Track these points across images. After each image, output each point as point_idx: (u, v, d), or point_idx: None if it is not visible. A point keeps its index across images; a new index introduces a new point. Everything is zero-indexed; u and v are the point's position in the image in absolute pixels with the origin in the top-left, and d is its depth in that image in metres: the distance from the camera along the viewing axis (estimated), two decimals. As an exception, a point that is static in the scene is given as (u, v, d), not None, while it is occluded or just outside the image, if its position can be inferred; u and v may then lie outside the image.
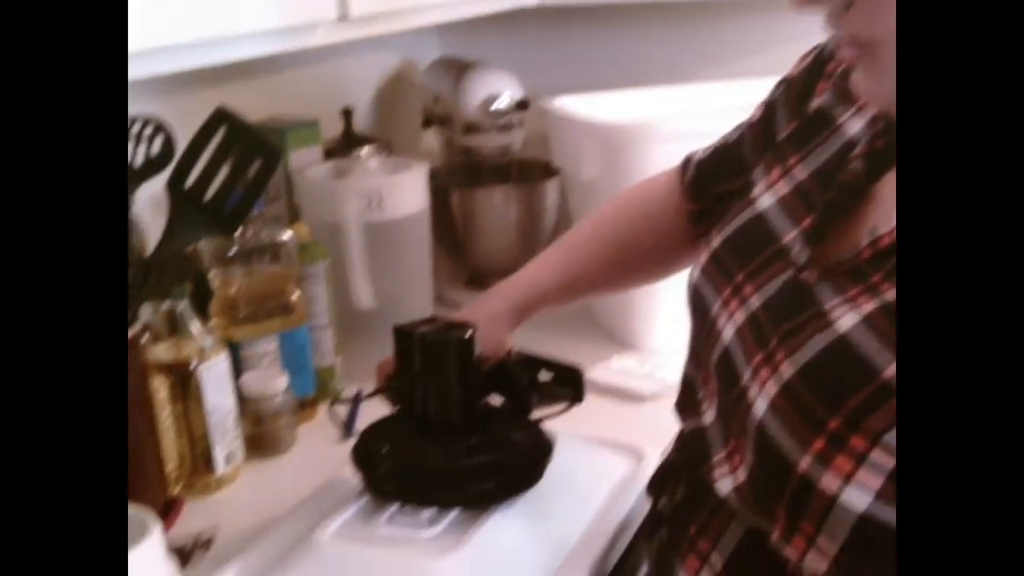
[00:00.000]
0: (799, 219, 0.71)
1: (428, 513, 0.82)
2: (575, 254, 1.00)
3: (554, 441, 0.88)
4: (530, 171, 1.54)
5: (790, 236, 0.70)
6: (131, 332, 0.90)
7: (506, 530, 0.82)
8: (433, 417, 0.86)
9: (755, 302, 0.69)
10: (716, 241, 0.77)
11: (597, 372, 1.20)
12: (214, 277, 1.11)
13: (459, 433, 0.85)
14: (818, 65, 0.80)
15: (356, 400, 1.18)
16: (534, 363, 0.92)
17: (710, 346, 0.73)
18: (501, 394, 0.91)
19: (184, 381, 0.98)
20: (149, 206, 1.09)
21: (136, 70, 0.73)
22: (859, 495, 0.56)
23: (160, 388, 0.98)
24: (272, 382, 1.08)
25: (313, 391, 1.16)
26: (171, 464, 1.00)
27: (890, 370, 0.56)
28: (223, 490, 1.02)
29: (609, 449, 0.98)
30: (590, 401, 1.16)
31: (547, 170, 1.49)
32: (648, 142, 1.20)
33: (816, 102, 0.78)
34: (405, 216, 1.22)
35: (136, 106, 0.84)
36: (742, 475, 0.66)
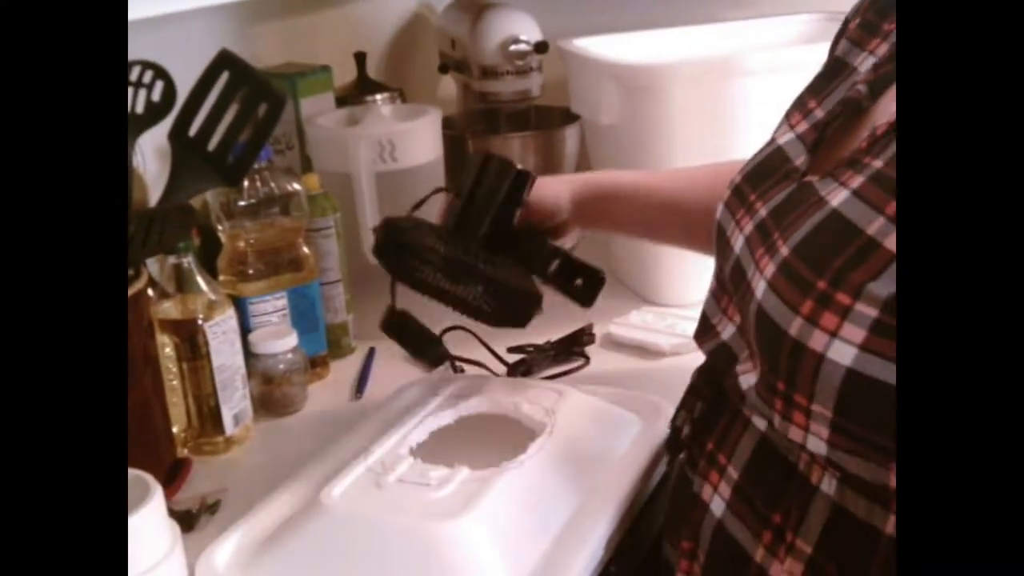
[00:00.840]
0: (810, 143, 0.73)
1: (437, 473, 0.79)
2: (662, 176, 1.03)
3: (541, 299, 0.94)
4: (549, 118, 1.49)
5: (801, 159, 0.72)
6: (135, 288, 0.87)
7: (518, 490, 0.78)
8: (460, 227, 0.94)
9: (763, 212, 0.70)
10: (738, 178, 0.78)
11: (616, 327, 1.17)
12: (222, 231, 1.07)
13: (472, 245, 0.93)
14: (843, 26, 0.82)
15: (369, 359, 1.15)
16: (562, 253, 0.97)
17: (724, 261, 0.75)
18: (524, 259, 0.96)
19: (191, 339, 0.95)
20: (152, 156, 1.05)
21: (136, 11, 0.68)
22: (844, 349, 0.57)
23: (166, 346, 0.95)
24: (281, 340, 1.04)
25: (324, 349, 1.13)
26: (178, 425, 0.97)
27: (874, 226, 0.58)
28: (232, 451, 0.99)
29: (627, 404, 0.94)
30: (609, 356, 1.14)
31: (566, 116, 1.44)
32: (671, 84, 1.14)
33: (836, 53, 0.81)
34: (419, 165, 1.18)
35: (136, 51, 0.79)
36: (757, 367, 0.67)
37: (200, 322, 0.95)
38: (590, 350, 1.14)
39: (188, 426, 0.97)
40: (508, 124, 1.49)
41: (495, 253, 0.94)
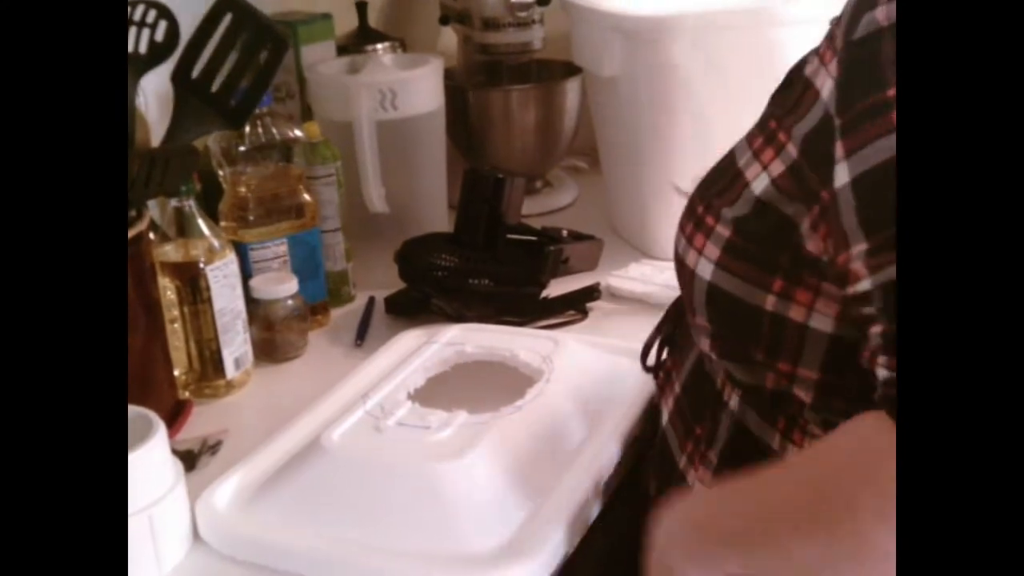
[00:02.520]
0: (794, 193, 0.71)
1: (436, 417, 0.79)
2: None
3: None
4: (550, 71, 1.48)
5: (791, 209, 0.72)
6: (136, 230, 0.87)
7: (517, 433, 0.79)
8: (461, 236, 1.14)
9: (691, 187, 0.74)
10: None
11: (614, 279, 1.17)
12: (223, 176, 1.07)
13: (475, 249, 1.11)
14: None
15: (369, 307, 1.15)
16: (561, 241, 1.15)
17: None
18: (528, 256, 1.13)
19: (192, 282, 0.95)
20: (155, 98, 1.04)
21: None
22: (705, 265, 0.66)
23: (167, 290, 0.96)
24: (282, 286, 1.05)
25: (325, 296, 1.13)
26: (179, 368, 0.98)
27: (742, 160, 0.67)
28: (233, 395, 1.00)
29: (624, 353, 0.95)
30: (607, 308, 1.15)
31: (568, 70, 1.43)
32: (675, 36, 1.13)
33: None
34: (420, 114, 1.18)
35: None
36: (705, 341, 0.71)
37: (201, 266, 0.95)
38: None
39: (189, 369, 0.98)
40: (509, 77, 1.48)
41: (497, 249, 1.13)
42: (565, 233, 1.17)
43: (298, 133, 1.08)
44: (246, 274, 1.06)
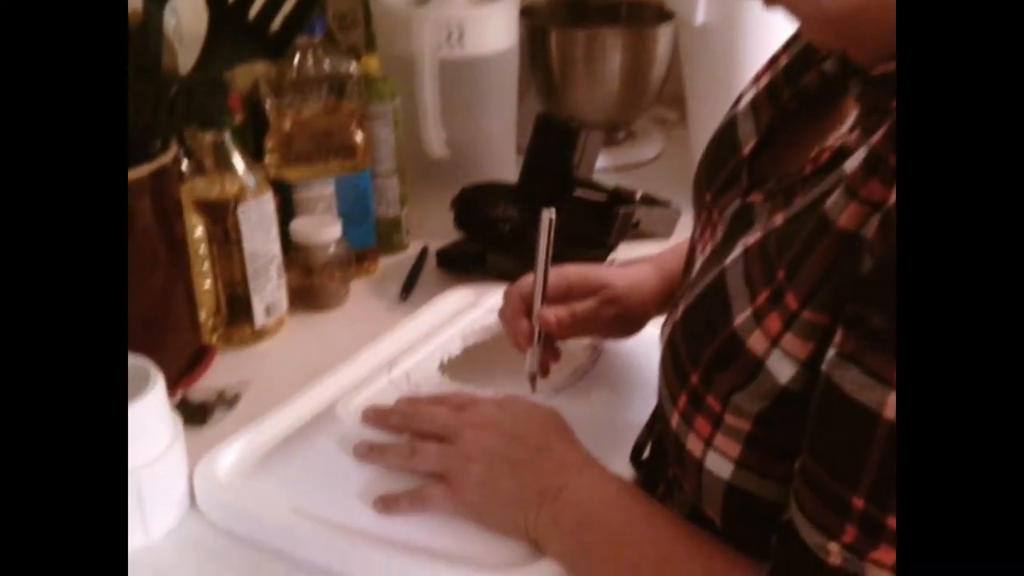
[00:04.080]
0: (761, 126, 0.62)
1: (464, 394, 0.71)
2: None
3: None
4: (641, 14, 1.36)
5: (750, 145, 0.61)
6: (159, 162, 0.80)
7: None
8: (525, 186, 1.04)
9: (720, 232, 0.60)
10: (701, 162, 0.68)
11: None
12: (269, 108, 1.00)
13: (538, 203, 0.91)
14: None
15: (420, 258, 1.07)
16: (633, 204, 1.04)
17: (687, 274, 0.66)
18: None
19: (222, 222, 0.89)
20: (189, 21, 0.97)
21: None
22: (721, 463, 0.52)
23: (196, 228, 0.89)
24: (325, 230, 0.97)
25: (373, 243, 1.06)
26: (205, 311, 0.91)
27: (741, 315, 0.50)
28: (262, 343, 0.93)
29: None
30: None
31: (660, 14, 1.31)
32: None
33: None
34: (489, 54, 1.08)
35: None
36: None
37: (233, 204, 0.88)
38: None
39: (216, 313, 0.92)
40: (596, 17, 1.37)
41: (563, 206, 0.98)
42: (639, 196, 1.06)
43: (355, 66, 1.00)
44: (289, 215, 0.99)
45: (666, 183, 1.16)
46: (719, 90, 1.11)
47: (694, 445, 0.53)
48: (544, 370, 0.75)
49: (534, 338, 0.73)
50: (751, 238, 0.53)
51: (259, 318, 0.92)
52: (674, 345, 0.55)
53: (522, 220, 0.99)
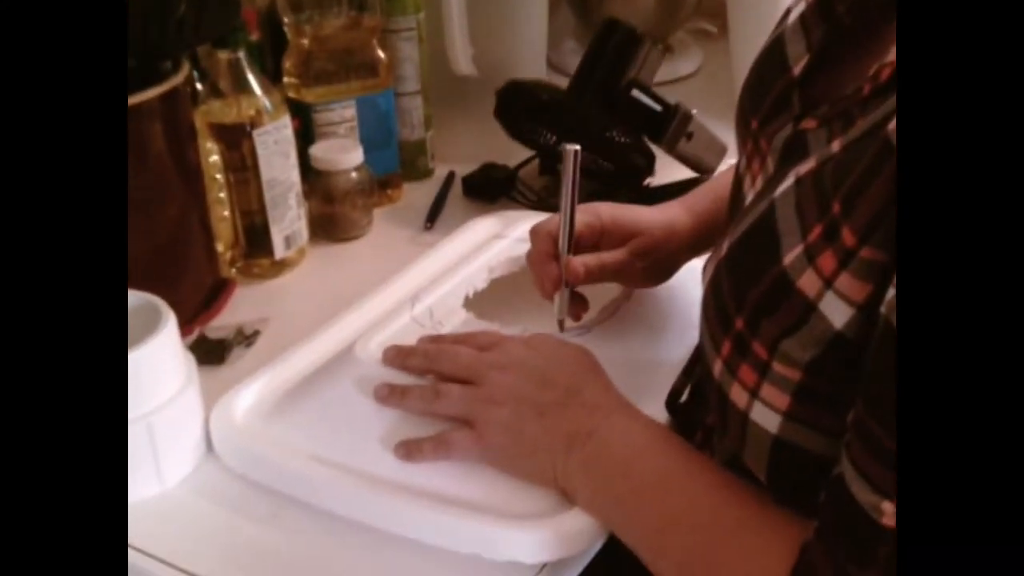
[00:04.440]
0: (812, 43, 0.56)
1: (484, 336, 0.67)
2: None
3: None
4: (681, -82, 1.28)
5: (800, 64, 0.55)
6: (170, 84, 0.76)
7: None
8: (576, 89, 0.97)
9: (770, 162, 0.55)
10: (743, 89, 0.62)
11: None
12: (287, 25, 0.94)
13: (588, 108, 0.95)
14: None
15: (447, 184, 1.03)
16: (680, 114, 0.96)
17: (735, 210, 0.61)
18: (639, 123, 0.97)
19: (238, 147, 0.84)
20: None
21: None
22: (767, 414, 0.47)
23: (212, 153, 0.85)
24: (346, 154, 0.93)
25: (396, 168, 1.01)
26: (222, 243, 0.87)
27: (791, 253, 0.45)
28: (283, 276, 0.89)
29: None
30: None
31: (702, -82, 1.23)
32: None
33: None
34: (519, -38, 1.01)
35: None
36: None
37: (249, 128, 0.83)
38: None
39: (234, 245, 0.88)
40: (633, -78, 1.29)
41: (611, 116, 0.95)
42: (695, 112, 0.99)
43: (376, -22, 0.94)
44: (308, 140, 0.94)
45: (705, 101, 1.09)
46: (763, 1, 1.05)
47: (738, 396, 0.48)
48: (575, 315, 0.71)
49: (562, 283, 0.68)
50: (804, 167, 0.48)
51: (279, 250, 0.88)
52: (717, 286, 0.51)
53: (563, 133, 0.93)
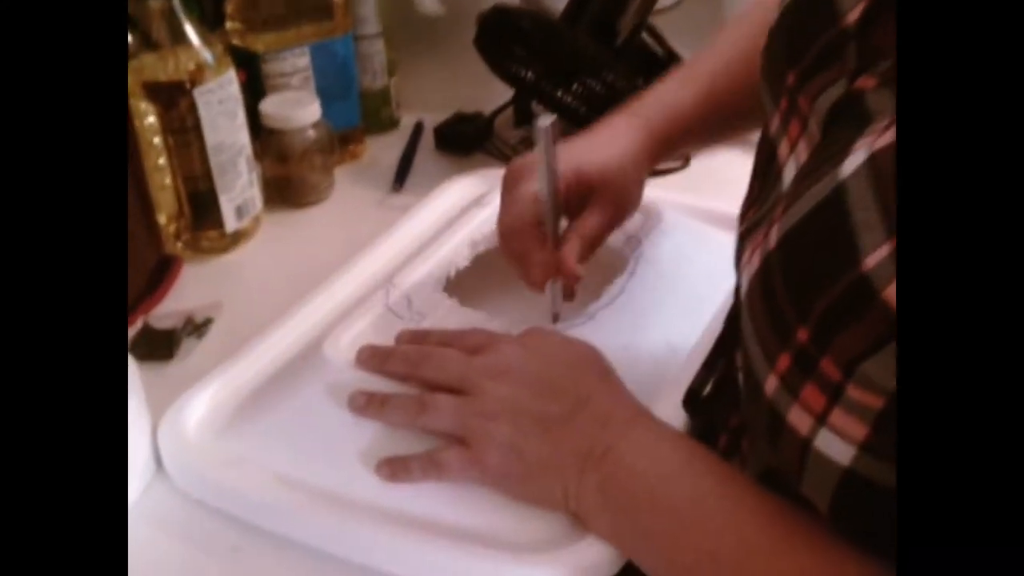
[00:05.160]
0: None
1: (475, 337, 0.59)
2: (718, 78, 0.69)
3: None
4: None
5: (856, 11, 0.45)
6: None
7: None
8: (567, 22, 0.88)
9: (814, 127, 0.46)
10: (774, 30, 0.52)
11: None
12: (228, -36, 0.83)
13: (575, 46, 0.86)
14: None
15: (415, 137, 0.93)
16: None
17: (769, 187, 0.50)
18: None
19: (177, 107, 0.73)
20: None
21: None
22: (838, 445, 0.38)
23: (148, 115, 0.74)
24: (301, 109, 0.82)
25: (358, 122, 0.91)
26: (164, 215, 0.77)
27: (878, 252, 0.36)
28: (236, 250, 0.79)
29: (725, 225, 0.71)
30: (716, 156, 0.91)
31: None
32: None
33: None
34: None
35: None
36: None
37: (188, 87, 0.73)
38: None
39: (179, 215, 0.78)
40: None
41: (606, 53, 0.87)
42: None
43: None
44: (257, 94, 0.84)
45: (689, 37, 1.00)
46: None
47: (800, 420, 0.40)
48: (568, 295, 0.62)
49: (554, 273, 0.59)
50: (881, 141, 0.39)
51: (229, 222, 0.78)
52: (768, 285, 0.42)
53: (552, 68, 0.84)
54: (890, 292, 0.35)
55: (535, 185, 0.58)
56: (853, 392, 0.37)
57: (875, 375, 0.36)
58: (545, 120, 0.55)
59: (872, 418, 0.37)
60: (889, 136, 0.38)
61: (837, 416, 0.38)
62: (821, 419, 0.39)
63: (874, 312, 0.36)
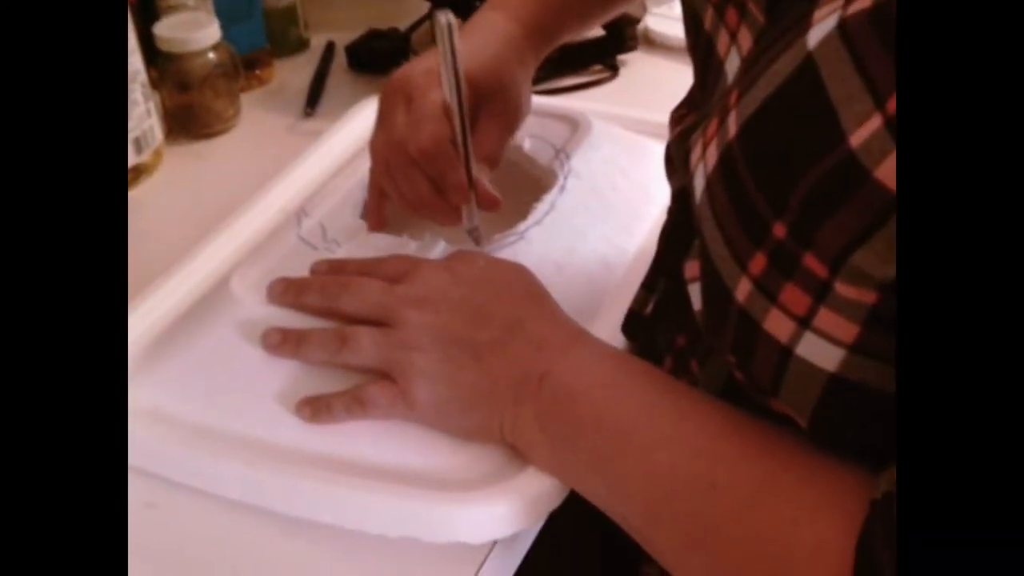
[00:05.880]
0: None
1: (401, 251, 0.55)
2: None
3: None
4: None
5: None
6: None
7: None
8: None
9: (755, 12, 0.42)
10: None
11: (656, 20, 0.90)
12: None
13: None
14: None
15: (326, 58, 0.87)
16: None
17: (700, 63, 0.47)
18: None
19: (59, 32, 0.67)
20: None
21: None
22: (824, 349, 0.35)
23: (26, 42, 0.67)
24: (200, 31, 0.76)
25: (264, 44, 0.85)
26: (54, 152, 0.71)
27: (860, 132, 0.32)
28: (136, 187, 0.74)
29: (658, 135, 0.68)
30: (646, 60, 0.87)
31: None
32: None
33: None
34: None
35: None
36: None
37: (69, 9, 0.66)
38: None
39: (71, 153, 0.72)
40: None
41: None
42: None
43: None
44: (150, 16, 0.77)
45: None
46: None
47: (778, 326, 0.36)
48: (490, 203, 0.56)
49: (469, 192, 0.54)
50: (855, 6, 0.33)
51: (128, 156, 0.72)
52: (733, 179, 0.38)
53: None
54: (884, 170, 0.31)
55: (439, 94, 0.53)
56: (841, 288, 0.34)
57: (867, 266, 0.33)
58: (446, 15, 0.49)
59: (864, 315, 0.34)
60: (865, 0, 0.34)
61: (824, 317, 0.35)
62: (804, 322, 0.35)
63: (864, 194, 0.32)
